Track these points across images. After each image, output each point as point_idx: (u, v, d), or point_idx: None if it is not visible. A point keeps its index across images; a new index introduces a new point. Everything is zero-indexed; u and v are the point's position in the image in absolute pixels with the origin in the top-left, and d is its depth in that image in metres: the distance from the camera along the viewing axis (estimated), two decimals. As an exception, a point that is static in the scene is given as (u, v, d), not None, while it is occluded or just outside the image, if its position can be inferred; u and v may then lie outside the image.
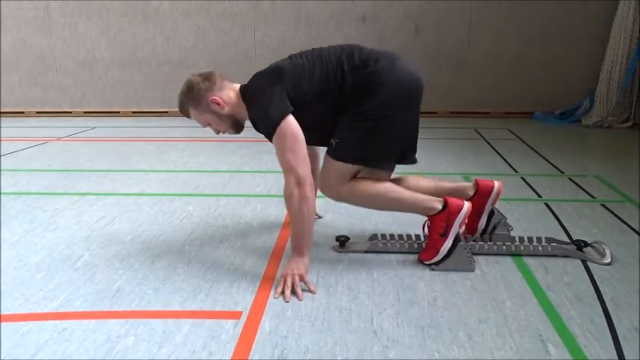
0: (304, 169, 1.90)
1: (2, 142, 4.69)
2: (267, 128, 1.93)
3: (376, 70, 1.94)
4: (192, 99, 2.06)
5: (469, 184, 2.25)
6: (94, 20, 6.07)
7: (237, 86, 2.09)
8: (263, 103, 1.93)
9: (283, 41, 5.88)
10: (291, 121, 1.91)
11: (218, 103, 2.04)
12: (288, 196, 1.93)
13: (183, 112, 2.14)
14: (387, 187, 2.08)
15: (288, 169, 1.92)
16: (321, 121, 2.04)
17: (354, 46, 2.05)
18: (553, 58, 5.69)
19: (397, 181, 2.20)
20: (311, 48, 2.09)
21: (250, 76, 2.09)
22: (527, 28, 5.65)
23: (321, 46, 2.08)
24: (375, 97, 1.93)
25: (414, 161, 2.18)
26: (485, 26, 5.72)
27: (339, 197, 2.14)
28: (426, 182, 2.24)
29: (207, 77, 2.06)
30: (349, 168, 2.05)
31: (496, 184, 2.21)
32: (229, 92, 2.06)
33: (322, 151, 2.18)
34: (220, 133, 2.20)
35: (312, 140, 2.14)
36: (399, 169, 2.21)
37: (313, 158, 2.46)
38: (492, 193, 2.21)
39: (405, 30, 5.77)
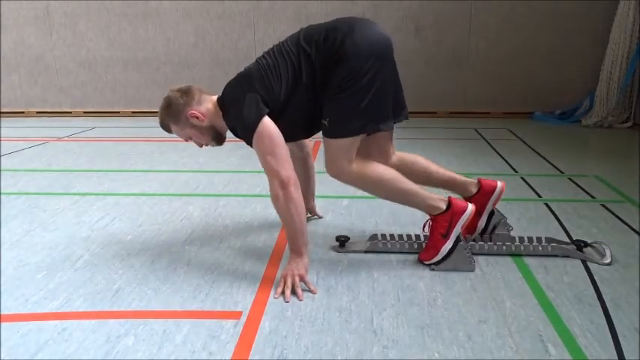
0: (286, 170, 1.90)
1: (2, 142, 4.69)
2: (245, 134, 1.94)
3: (337, 38, 1.92)
4: (172, 114, 2.07)
5: (473, 181, 2.25)
6: (94, 20, 6.07)
7: (215, 98, 2.10)
8: (237, 111, 1.94)
9: (283, 41, 5.88)
10: (267, 123, 1.91)
11: (197, 117, 2.04)
12: (274, 199, 1.93)
13: (165, 127, 2.15)
14: (396, 176, 2.06)
15: (270, 172, 1.92)
16: (306, 110, 2.02)
17: (308, 26, 2.06)
18: (553, 58, 5.69)
19: (407, 164, 2.19)
20: (272, 45, 2.09)
21: None
22: (527, 29, 5.65)
23: (280, 40, 2.08)
24: (345, 64, 1.90)
25: (405, 116, 2.16)
26: (485, 26, 5.72)
27: (347, 178, 2.08)
28: (434, 167, 2.24)
29: (186, 92, 2.06)
30: (350, 142, 2.00)
31: (499, 184, 2.21)
32: (207, 105, 2.07)
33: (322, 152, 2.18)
34: (203, 146, 2.20)
35: (303, 133, 2.14)
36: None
37: (304, 161, 2.46)
38: (495, 193, 2.21)
39: (405, 30, 5.77)
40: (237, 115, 1.96)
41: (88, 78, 6.26)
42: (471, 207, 2.05)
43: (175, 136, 2.19)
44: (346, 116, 1.97)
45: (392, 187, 2.06)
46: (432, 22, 5.77)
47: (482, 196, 2.21)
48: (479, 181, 2.24)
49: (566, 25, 5.59)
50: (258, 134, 1.90)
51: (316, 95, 1.98)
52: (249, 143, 1.95)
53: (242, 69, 2.09)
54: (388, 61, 2.00)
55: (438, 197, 2.08)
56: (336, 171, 2.06)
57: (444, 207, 2.06)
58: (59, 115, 6.34)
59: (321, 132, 2.05)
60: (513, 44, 5.71)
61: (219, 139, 2.16)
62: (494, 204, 2.24)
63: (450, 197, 2.08)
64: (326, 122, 1.99)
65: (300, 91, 1.97)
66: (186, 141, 2.19)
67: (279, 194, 1.90)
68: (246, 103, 1.92)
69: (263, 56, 2.06)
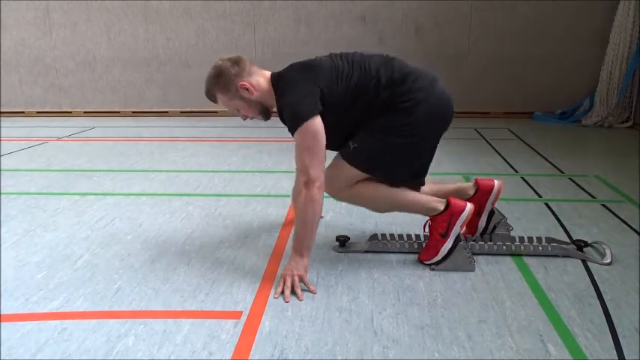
0: (317, 170, 1.89)
1: (2, 142, 4.69)
2: (293, 122, 1.89)
3: (415, 88, 1.92)
4: (221, 84, 2.00)
5: (469, 184, 2.26)
6: (94, 20, 6.07)
7: (268, 73, 2.05)
8: (294, 96, 1.91)
9: (283, 41, 5.88)
10: (317, 121, 1.89)
11: (247, 89, 1.99)
12: (296, 195, 1.93)
13: (211, 97, 2.07)
14: (388, 189, 2.07)
15: (300, 168, 1.91)
16: (345, 126, 2.01)
17: (396, 60, 2.02)
18: (553, 58, 5.68)
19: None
20: (353, 51, 2.05)
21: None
22: (527, 28, 5.64)
23: (362, 52, 2.05)
24: (409, 115, 1.92)
25: (422, 183, 2.16)
26: (485, 26, 5.72)
27: (340, 197, 2.13)
28: (428, 186, 2.23)
29: (237, 62, 2.00)
30: (358, 174, 2.03)
31: (496, 183, 2.21)
32: (259, 78, 2.02)
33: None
34: (248, 119, 2.16)
35: (328, 144, 2.13)
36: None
37: None
38: (492, 193, 2.21)
39: (405, 30, 5.76)
40: (292, 100, 1.92)
41: (88, 78, 6.26)
42: (469, 206, 2.05)
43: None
44: (371, 154, 1.99)
45: (387, 198, 2.08)
46: (432, 22, 5.76)
47: (480, 196, 2.21)
48: (476, 182, 2.24)
49: (566, 25, 5.58)
50: (305, 128, 1.87)
51: (361, 121, 1.98)
52: (292, 131, 1.91)
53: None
54: (442, 131, 2.05)
55: (436, 199, 2.08)
56: (334, 191, 2.08)
57: (442, 207, 2.06)
58: (59, 115, 6.34)
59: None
60: (513, 44, 5.70)
61: (266, 114, 2.10)
62: (494, 203, 2.24)
63: (448, 197, 2.08)
64: (352, 146, 2.00)
65: (354, 107, 1.96)
66: (232, 112, 2.12)
67: (302, 191, 1.90)
68: (306, 93, 1.89)
69: (340, 57, 2.02)
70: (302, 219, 1.93)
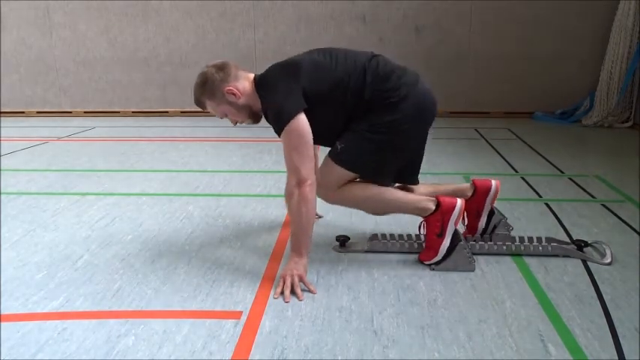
0: (307, 169, 1.89)
1: (2, 142, 4.69)
2: (278, 123, 1.90)
3: (399, 85, 1.93)
4: (208, 91, 2.02)
5: (467, 185, 2.25)
6: (94, 20, 6.06)
7: (252, 76, 2.06)
8: (276, 97, 1.91)
9: (283, 41, 5.88)
10: (301, 119, 1.89)
11: (234, 94, 2.00)
12: (288, 196, 1.93)
13: (200, 104, 2.09)
14: (378, 189, 2.07)
15: (290, 168, 1.91)
16: (332, 123, 2.01)
17: (380, 57, 2.02)
18: (553, 58, 5.68)
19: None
20: (336, 47, 2.06)
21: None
22: (527, 28, 5.64)
23: (346, 48, 2.05)
24: (393, 112, 1.92)
25: (414, 182, 2.17)
26: (485, 26, 5.72)
27: (331, 199, 2.11)
28: (424, 188, 2.24)
29: (222, 68, 2.02)
30: (347, 174, 2.04)
31: (493, 182, 2.21)
32: (244, 82, 2.03)
33: (323, 151, 2.17)
34: (238, 124, 2.17)
35: (317, 140, 2.14)
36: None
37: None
38: (490, 192, 2.21)
39: (405, 30, 5.76)
40: (274, 101, 1.93)
41: (88, 78, 6.25)
42: (459, 202, 2.04)
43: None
44: (359, 154, 1.99)
45: (378, 200, 2.07)
46: (432, 22, 5.76)
47: (478, 197, 2.22)
48: (473, 183, 2.24)
49: (566, 25, 5.58)
50: (290, 128, 1.88)
51: (346, 119, 1.98)
52: (278, 132, 1.92)
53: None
54: (428, 126, 2.05)
55: (426, 199, 2.08)
56: (324, 193, 2.07)
57: (434, 207, 2.06)
58: (59, 115, 6.34)
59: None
60: (513, 44, 5.70)
61: (255, 117, 2.11)
62: (492, 203, 2.24)
63: (437, 197, 2.08)
64: (339, 146, 2.00)
65: (339, 104, 1.96)
66: (221, 117, 2.14)
67: (294, 192, 1.90)
68: (288, 92, 1.90)
69: (321, 52, 2.02)
70: (297, 219, 1.94)
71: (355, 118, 1.98)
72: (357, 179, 2.09)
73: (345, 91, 1.94)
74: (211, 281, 2.01)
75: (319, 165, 2.16)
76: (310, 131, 1.91)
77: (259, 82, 2.02)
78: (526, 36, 5.66)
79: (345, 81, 1.94)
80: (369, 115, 1.95)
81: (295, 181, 1.89)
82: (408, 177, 2.16)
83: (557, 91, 5.76)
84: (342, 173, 2.03)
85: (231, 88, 2.00)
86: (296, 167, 1.89)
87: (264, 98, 1.98)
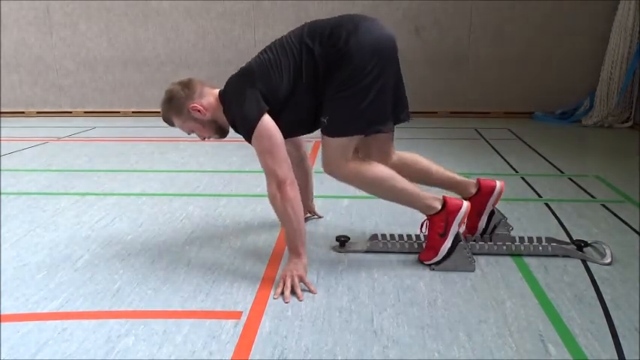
0: (283, 169, 1.90)
1: (2, 142, 4.69)
2: (245, 130, 1.93)
3: (342, 36, 1.90)
4: (174, 108, 2.06)
5: (472, 182, 2.25)
6: (94, 20, 6.07)
7: (217, 91, 2.09)
8: (238, 106, 1.94)
9: (283, 41, 5.88)
10: (266, 121, 1.90)
11: (199, 110, 2.03)
12: (271, 199, 1.93)
13: (167, 121, 2.13)
14: (392, 175, 2.04)
15: (267, 172, 1.92)
16: (306, 107, 2.00)
17: (312, 21, 2.02)
18: (553, 58, 5.69)
19: (407, 164, 2.18)
20: (276, 39, 2.06)
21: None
22: (528, 28, 5.64)
23: (282, 35, 2.05)
24: (348, 63, 1.88)
25: (408, 117, 2.14)
26: (485, 26, 5.72)
27: (343, 177, 2.06)
28: (434, 167, 2.23)
29: (187, 85, 2.05)
30: (348, 142, 1.98)
31: (498, 184, 2.21)
32: (209, 98, 2.06)
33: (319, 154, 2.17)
34: (206, 139, 2.19)
35: (302, 129, 2.12)
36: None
37: (301, 161, 2.43)
38: (494, 193, 2.21)
39: (405, 30, 5.76)
40: (237, 111, 1.95)
41: (88, 78, 6.26)
42: (466, 204, 2.05)
43: (178, 130, 2.16)
44: (346, 116, 1.95)
45: (388, 186, 2.05)
46: (432, 22, 5.76)
47: (481, 196, 2.21)
48: (478, 182, 2.23)
49: (566, 25, 5.58)
50: (258, 132, 1.89)
51: (317, 92, 1.97)
52: (248, 140, 1.94)
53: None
54: (392, 62, 2.00)
55: (433, 197, 2.07)
56: (332, 169, 2.05)
57: (439, 206, 2.05)
58: (59, 115, 6.34)
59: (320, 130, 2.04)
60: (513, 44, 5.70)
61: (221, 132, 2.13)
62: (494, 204, 2.24)
63: (444, 196, 2.08)
64: (325, 120, 1.97)
65: (302, 87, 1.96)
66: (189, 134, 2.17)
67: (276, 194, 1.90)
68: (246, 99, 1.91)
69: (264, 51, 2.03)
70: (286, 219, 1.94)
71: (323, 89, 1.95)
72: (364, 149, 2.07)
73: (299, 71, 1.94)
74: (211, 281, 2.01)
75: (318, 158, 2.14)
76: (278, 131, 1.91)
77: (222, 97, 2.05)
78: (526, 36, 5.66)
79: (294, 63, 1.94)
80: (331, 80, 1.92)
81: (275, 183, 1.90)
82: (400, 115, 2.12)
83: (557, 91, 5.76)
84: (341, 143, 1.98)
85: (195, 105, 2.02)
86: (272, 170, 1.90)
87: (228, 110, 2.01)
